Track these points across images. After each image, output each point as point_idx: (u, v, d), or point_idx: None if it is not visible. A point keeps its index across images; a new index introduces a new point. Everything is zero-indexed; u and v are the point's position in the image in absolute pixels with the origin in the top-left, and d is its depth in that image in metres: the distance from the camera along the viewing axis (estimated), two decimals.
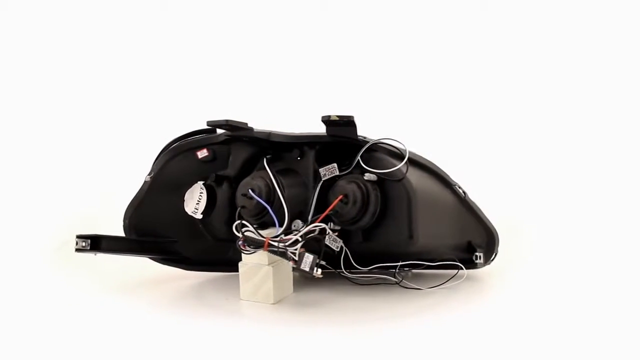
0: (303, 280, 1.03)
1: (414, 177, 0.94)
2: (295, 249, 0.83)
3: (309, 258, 0.85)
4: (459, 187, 1.01)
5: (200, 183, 0.98)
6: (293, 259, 0.85)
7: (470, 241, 1.01)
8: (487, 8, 1.73)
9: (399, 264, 0.99)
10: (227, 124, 0.92)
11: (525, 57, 1.69)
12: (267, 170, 0.93)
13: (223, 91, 1.64)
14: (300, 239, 0.84)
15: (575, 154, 1.59)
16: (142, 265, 1.06)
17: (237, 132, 0.97)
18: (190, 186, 0.98)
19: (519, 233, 1.24)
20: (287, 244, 0.84)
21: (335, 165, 0.93)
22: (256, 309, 0.90)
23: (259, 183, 0.92)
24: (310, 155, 0.95)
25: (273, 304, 0.91)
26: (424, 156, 0.99)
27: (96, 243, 0.95)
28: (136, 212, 1.01)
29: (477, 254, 1.01)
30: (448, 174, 1.01)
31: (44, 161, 1.49)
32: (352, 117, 0.89)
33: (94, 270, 1.09)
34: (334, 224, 0.92)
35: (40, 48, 1.58)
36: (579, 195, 1.48)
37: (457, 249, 1.01)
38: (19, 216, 1.35)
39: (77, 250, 0.94)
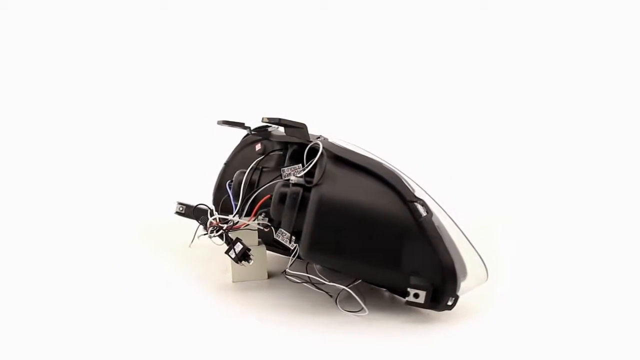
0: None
1: (343, 184, 0.86)
2: (215, 235, 0.95)
3: (238, 247, 0.95)
4: (421, 205, 0.82)
5: None
6: (229, 245, 0.96)
7: (412, 272, 0.81)
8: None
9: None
10: (225, 123, 1.09)
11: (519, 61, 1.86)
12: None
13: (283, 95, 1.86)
14: (216, 224, 0.95)
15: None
16: None
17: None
18: None
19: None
20: (215, 230, 0.96)
21: (300, 165, 0.95)
22: (217, 284, 1.04)
23: (240, 177, 1.04)
24: (287, 154, 1.00)
25: (233, 282, 1.03)
26: (386, 163, 0.86)
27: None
28: (217, 191, 1.29)
29: (409, 290, 0.80)
30: (413, 187, 0.84)
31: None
32: (278, 119, 0.90)
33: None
34: None
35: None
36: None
37: (394, 278, 0.83)
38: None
39: (176, 213, 1.30)
